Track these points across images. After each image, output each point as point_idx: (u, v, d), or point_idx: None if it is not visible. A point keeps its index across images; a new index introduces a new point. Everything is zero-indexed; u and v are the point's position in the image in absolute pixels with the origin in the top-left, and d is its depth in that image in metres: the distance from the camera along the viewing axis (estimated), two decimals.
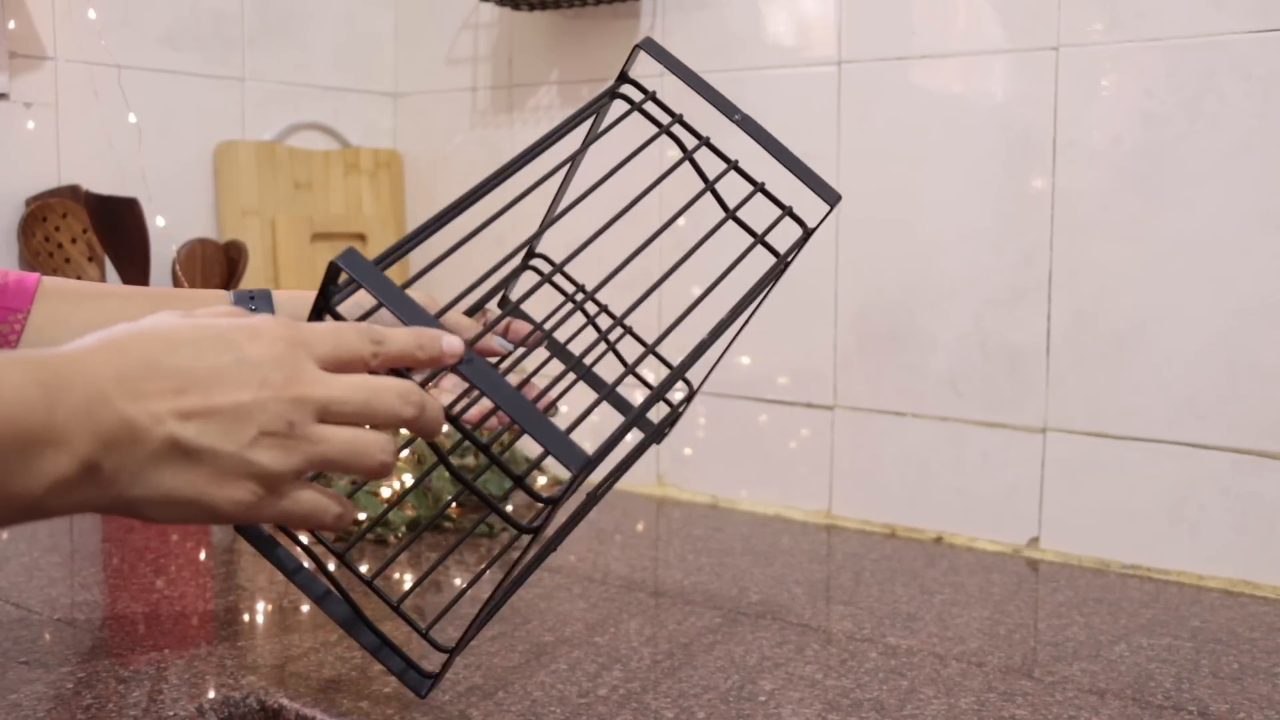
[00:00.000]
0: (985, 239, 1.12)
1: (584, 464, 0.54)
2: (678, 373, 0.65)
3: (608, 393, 0.64)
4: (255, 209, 1.43)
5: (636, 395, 1.24)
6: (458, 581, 0.99)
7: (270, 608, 0.91)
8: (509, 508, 1.16)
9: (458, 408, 0.72)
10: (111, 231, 1.23)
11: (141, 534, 1.12)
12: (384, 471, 0.53)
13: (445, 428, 0.55)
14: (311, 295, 0.75)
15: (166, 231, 1.34)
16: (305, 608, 0.91)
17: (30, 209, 1.25)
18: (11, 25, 1.23)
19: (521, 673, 0.78)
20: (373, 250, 1.53)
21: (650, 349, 0.66)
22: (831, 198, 0.74)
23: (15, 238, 1.25)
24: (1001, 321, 1.12)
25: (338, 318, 0.58)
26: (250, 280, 1.38)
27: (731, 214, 0.75)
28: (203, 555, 1.07)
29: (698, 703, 0.74)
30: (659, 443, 0.77)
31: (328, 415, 0.51)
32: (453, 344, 0.55)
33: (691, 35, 1.30)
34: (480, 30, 1.50)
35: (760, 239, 0.74)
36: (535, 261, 0.86)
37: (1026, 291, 1.10)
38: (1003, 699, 0.75)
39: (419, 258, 1.49)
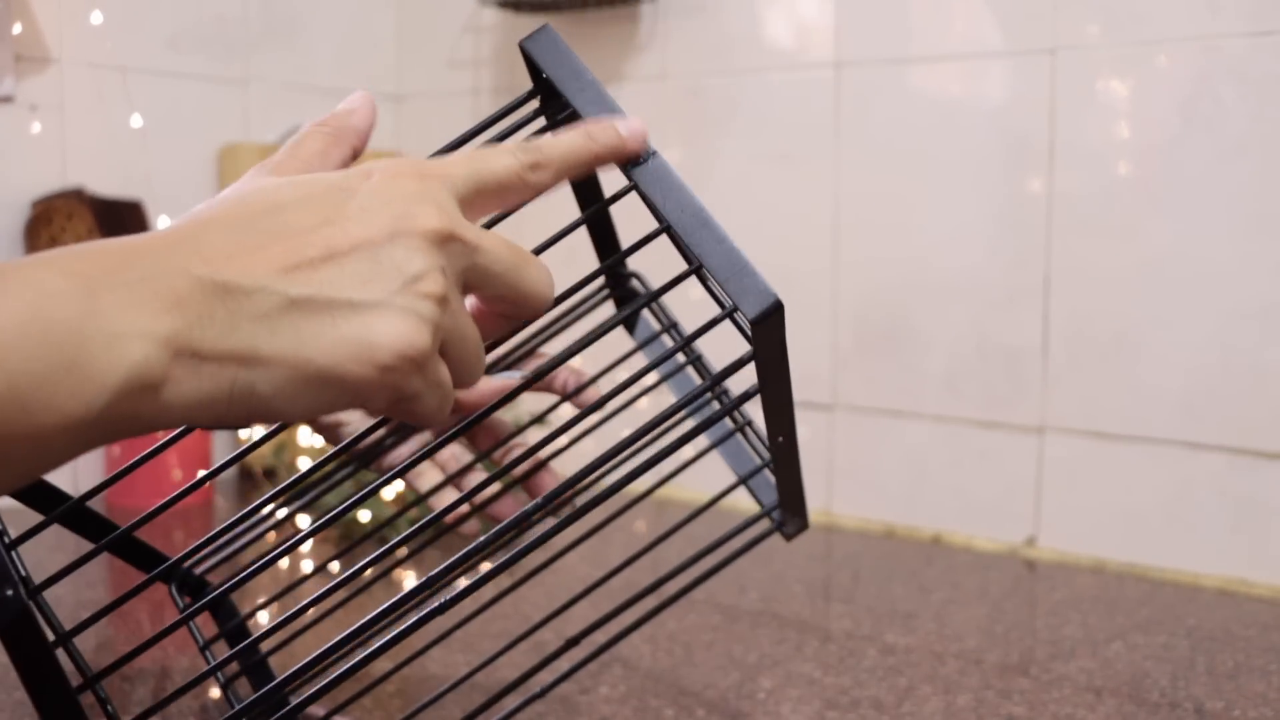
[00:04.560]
0: (982, 241, 1.13)
1: (775, 305, 0.41)
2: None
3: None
4: None
5: None
6: None
7: (274, 606, 0.92)
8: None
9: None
10: (116, 233, 1.24)
11: (146, 533, 1.13)
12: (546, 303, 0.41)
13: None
14: None
15: None
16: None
17: (35, 211, 1.25)
18: (17, 29, 1.23)
19: (523, 670, 0.79)
20: None
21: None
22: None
23: (20, 240, 1.26)
24: (998, 322, 1.13)
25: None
26: None
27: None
28: None
29: (697, 701, 0.74)
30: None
31: (472, 264, 0.38)
32: (635, 129, 0.43)
33: (689, 38, 1.31)
34: (482, 33, 1.50)
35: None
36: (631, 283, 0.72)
37: (1023, 293, 1.11)
38: (1000, 696, 0.76)
39: None
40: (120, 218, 1.25)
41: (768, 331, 0.41)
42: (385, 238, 0.36)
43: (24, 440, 0.31)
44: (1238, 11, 0.99)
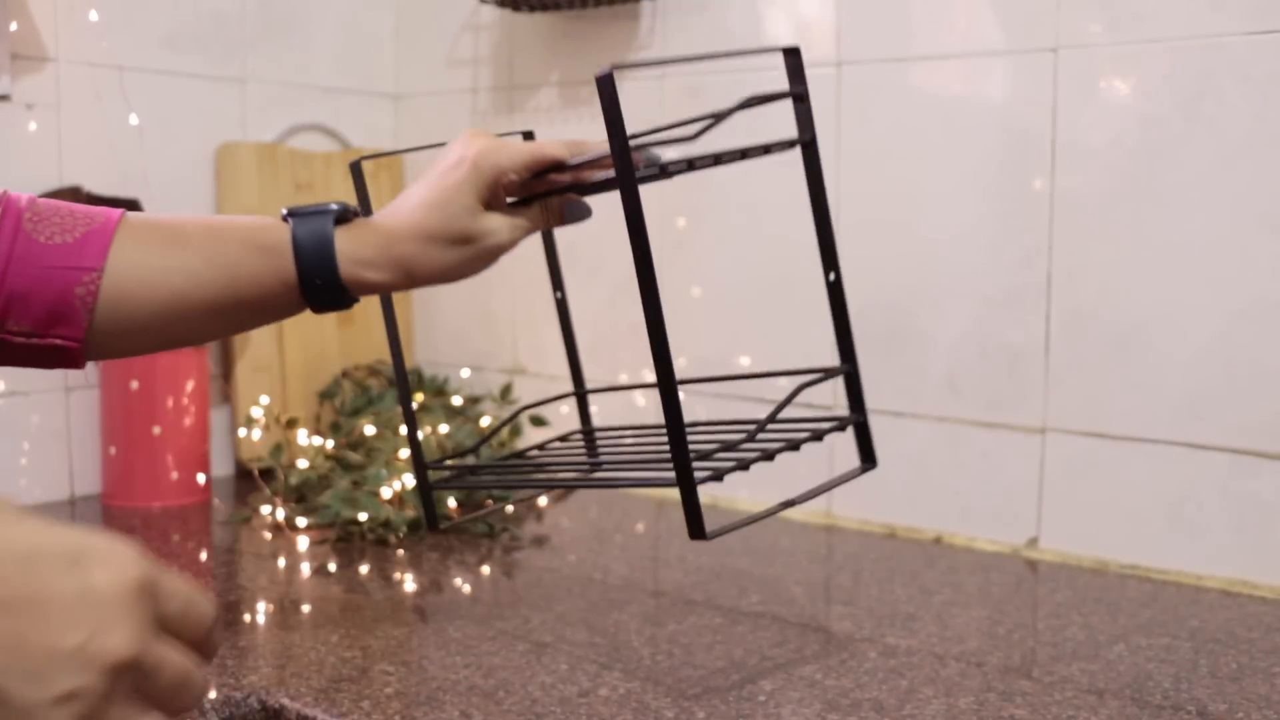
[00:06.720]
0: (984, 240, 1.13)
1: None
2: None
3: None
4: (257, 210, 1.43)
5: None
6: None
7: (271, 607, 0.92)
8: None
9: None
10: None
11: (144, 533, 1.12)
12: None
13: None
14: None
15: None
16: (306, 607, 0.91)
17: None
18: (13, 27, 1.23)
19: (522, 673, 0.78)
20: None
21: None
22: None
23: None
24: (1000, 322, 1.12)
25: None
26: None
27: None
28: (204, 555, 1.08)
29: (698, 703, 0.74)
30: None
31: (143, 684, 0.42)
32: None
33: (691, 37, 1.30)
34: (481, 32, 1.50)
35: None
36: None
37: (1025, 292, 1.10)
38: (1001, 699, 0.75)
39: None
40: None
41: None
42: (67, 647, 0.40)
43: None
44: (1240, 10, 0.98)
